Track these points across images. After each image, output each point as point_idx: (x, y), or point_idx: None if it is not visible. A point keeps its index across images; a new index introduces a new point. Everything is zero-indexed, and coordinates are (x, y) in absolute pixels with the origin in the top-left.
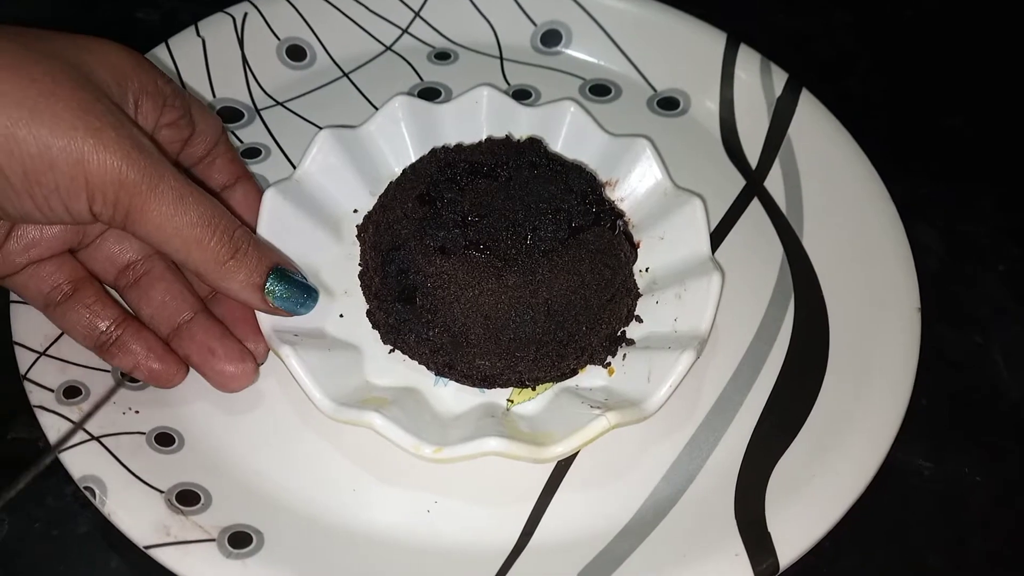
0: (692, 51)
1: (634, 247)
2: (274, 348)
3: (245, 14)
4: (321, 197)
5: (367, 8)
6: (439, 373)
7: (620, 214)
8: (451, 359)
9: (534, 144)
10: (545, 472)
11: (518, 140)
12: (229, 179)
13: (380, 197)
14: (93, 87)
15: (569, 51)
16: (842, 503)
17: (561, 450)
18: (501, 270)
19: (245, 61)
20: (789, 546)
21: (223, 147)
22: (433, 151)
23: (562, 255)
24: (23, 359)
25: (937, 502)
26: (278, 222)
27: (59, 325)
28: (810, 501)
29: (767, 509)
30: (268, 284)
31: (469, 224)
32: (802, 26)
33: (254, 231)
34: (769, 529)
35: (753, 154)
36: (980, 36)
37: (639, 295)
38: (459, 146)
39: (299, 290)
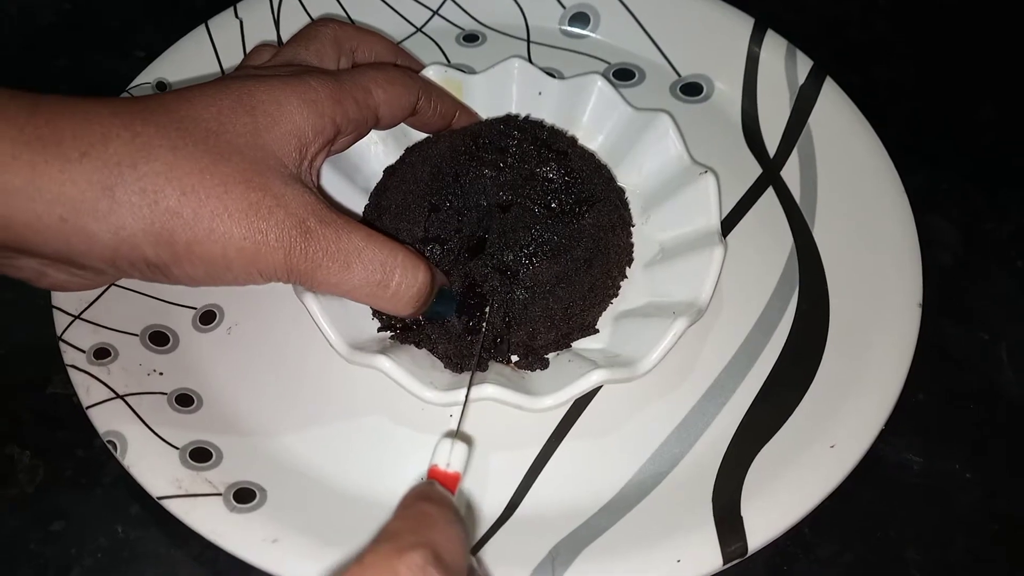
0: (718, 35)
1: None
2: (297, 295)
3: None
4: (355, 157)
5: None
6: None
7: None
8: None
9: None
10: (536, 447)
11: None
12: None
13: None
14: (263, 174)
15: (596, 35)
16: (817, 494)
17: (551, 402)
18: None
19: (281, 42)
20: (759, 532)
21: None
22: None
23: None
24: (60, 322)
25: (923, 497)
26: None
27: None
28: (786, 490)
29: (743, 495)
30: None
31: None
32: (836, 11)
33: None
34: (742, 514)
35: (772, 142)
36: (1019, 30)
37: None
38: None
39: (447, 305)
